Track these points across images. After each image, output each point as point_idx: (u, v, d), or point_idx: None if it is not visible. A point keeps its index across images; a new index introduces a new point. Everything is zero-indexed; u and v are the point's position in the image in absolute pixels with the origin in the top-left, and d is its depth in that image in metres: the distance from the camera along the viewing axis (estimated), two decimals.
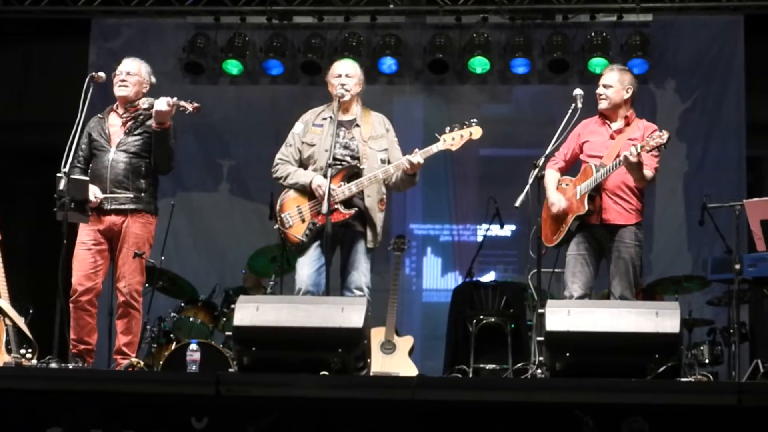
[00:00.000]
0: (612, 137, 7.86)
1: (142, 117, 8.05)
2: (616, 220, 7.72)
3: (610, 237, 7.73)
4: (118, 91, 8.08)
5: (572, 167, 8.08)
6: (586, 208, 7.65)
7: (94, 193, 7.82)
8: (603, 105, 7.90)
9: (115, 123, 8.08)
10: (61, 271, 7.40)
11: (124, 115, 8.08)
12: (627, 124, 7.89)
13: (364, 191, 7.70)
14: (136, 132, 8.03)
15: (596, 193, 7.70)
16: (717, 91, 11.92)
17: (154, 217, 8.09)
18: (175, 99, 7.87)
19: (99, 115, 8.18)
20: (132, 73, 8.12)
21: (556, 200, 7.80)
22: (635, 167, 7.53)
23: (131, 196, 7.94)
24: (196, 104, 7.91)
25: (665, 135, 7.46)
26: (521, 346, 9.60)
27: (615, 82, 7.89)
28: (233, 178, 12.52)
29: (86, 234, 7.94)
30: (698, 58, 11.99)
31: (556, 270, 8.17)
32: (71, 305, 7.87)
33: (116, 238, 7.94)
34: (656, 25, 11.96)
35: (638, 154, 7.44)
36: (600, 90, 7.89)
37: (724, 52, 11.90)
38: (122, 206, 7.92)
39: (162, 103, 7.85)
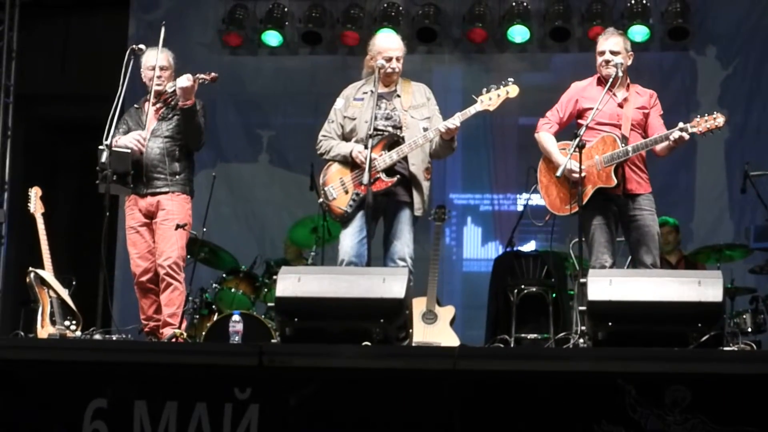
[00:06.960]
0: (620, 106, 7.76)
1: (172, 102, 8.14)
2: (637, 190, 7.68)
3: (631, 206, 7.67)
4: (156, 87, 8.09)
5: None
6: (615, 180, 7.60)
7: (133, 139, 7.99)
8: (611, 72, 7.69)
9: (149, 112, 8.15)
10: (104, 243, 7.45)
11: (157, 104, 8.16)
12: (628, 92, 7.83)
13: (409, 159, 7.70)
14: (169, 117, 8.15)
15: (619, 163, 7.66)
16: (758, 58, 11.80)
17: (189, 197, 8.20)
18: (197, 75, 7.92)
19: (135, 105, 8.32)
20: (165, 68, 8.17)
21: (568, 165, 7.55)
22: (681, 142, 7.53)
23: (166, 179, 8.06)
24: (213, 74, 7.97)
25: (721, 119, 7.39)
26: (563, 316, 9.57)
27: (621, 49, 7.77)
28: (273, 149, 12.52)
29: (131, 218, 8.14)
30: (739, 24, 11.86)
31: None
32: (135, 287, 8.11)
33: (155, 216, 8.07)
34: None
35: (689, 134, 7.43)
36: (608, 57, 7.72)
37: (765, 18, 11.79)
38: (158, 189, 8.06)
39: (184, 80, 7.94)
